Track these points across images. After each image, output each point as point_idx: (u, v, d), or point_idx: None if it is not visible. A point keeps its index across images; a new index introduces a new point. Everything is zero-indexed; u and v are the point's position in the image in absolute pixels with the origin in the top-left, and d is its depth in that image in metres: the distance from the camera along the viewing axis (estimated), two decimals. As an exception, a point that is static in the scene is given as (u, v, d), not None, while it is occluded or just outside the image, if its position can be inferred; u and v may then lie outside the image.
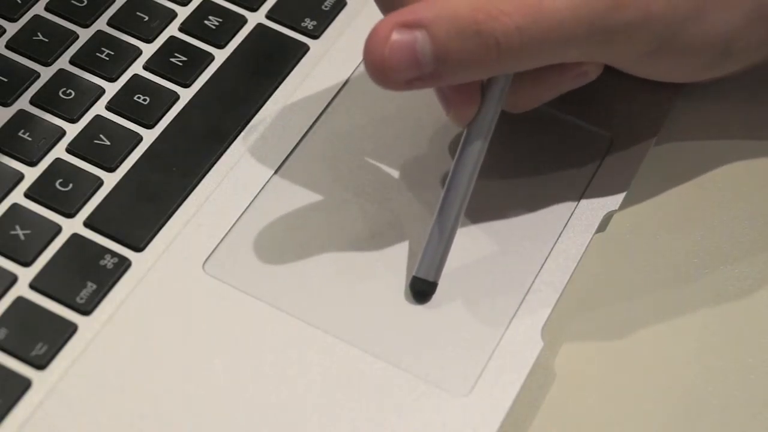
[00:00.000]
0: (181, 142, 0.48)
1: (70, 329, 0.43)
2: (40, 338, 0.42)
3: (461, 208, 0.44)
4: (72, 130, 0.48)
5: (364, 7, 0.53)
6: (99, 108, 0.48)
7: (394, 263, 0.45)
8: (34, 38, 0.50)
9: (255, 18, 0.52)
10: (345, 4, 0.53)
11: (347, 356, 0.43)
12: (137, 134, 0.48)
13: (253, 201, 0.47)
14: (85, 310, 0.43)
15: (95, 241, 0.45)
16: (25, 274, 0.44)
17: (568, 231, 0.47)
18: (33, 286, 0.43)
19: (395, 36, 0.42)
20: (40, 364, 0.42)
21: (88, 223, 0.45)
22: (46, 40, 0.50)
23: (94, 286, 0.44)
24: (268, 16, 0.52)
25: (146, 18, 0.51)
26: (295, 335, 0.43)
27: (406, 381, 0.42)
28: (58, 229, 0.45)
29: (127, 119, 0.48)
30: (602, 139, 0.49)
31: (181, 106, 0.49)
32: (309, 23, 0.52)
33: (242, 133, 0.48)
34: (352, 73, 0.50)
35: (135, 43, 0.51)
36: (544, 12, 0.41)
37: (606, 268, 0.46)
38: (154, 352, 0.42)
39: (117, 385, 0.42)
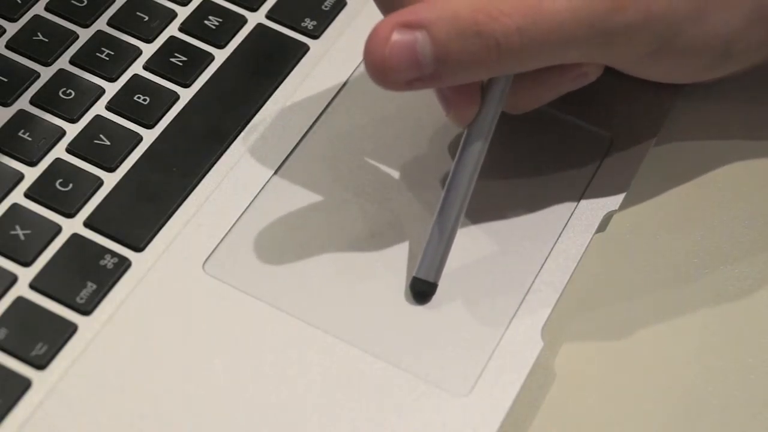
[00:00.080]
0: (181, 142, 0.48)
1: (70, 329, 0.43)
2: (40, 338, 0.42)
3: (461, 208, 0.44)
4: (72, 130, 0.48)
5: (364, 7, 0.53)
6: (99, 108, 0.48)
7: (394, 263, 0.45)
8: (34, 38, 0.50)
9: (255, 18, 0.52)
10: (345, 4, 0.53)
11: (347, 356, 0.43)
12: (137, 134, 0.48)
13: (253, 201, 0.47)
14: (85, 310, 0.43)
15: (95, 241, 0.45)
16: (25, 274, 0.44)
17: (568, 231, 0.47)
18: (33, 286, 0.43)
19: (396, 36, 0.42)
20: (40, 364, 0.42)
21: (88, 223, 0.45)
22: (46, 40, 0.50)
23: (94, 286, 0.44)
24: (268, 16, 0.52)
25: (146, 18, 0.51)
26: (295, 335, 0.43)
27: (406, 381, 0.42)
28: (58, 229, 0.45)
29: (127, 119, 0.48)
30: (602, 139, 0.49)
31: (181, 106, 0.49)
32: (309, 23, 0.52)
33: (242, 133, 0.48)
34: (352, 73, 0.50)
35: (135, 43, 0.51)
36: (544, 13, 0.41)
37: (606, 268, 0.46)
38: (154, 352, 0.42)
39: (117, 385, 0.42)
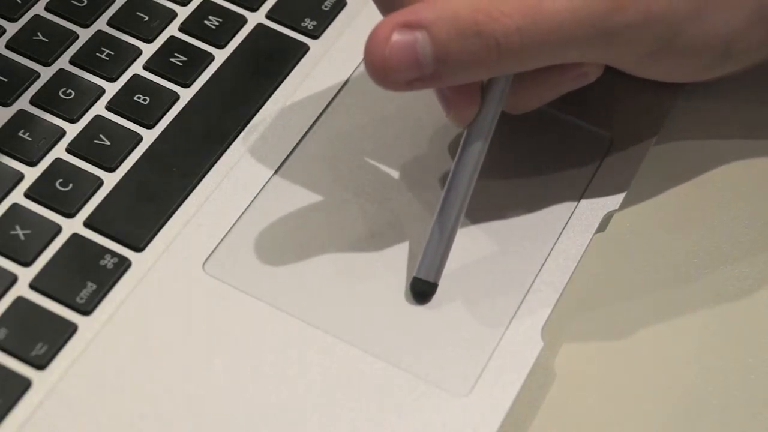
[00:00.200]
0: (181, 142, 0.48)
1: (70, 329, 0.43)
2: (40, 338, 0.42)
3: (462, 208, 0.44)
4: (72, 130, 0.48)
5: (364, 7, 0.53)
6: (99, 108, 0.48)
7: (394, 263, 0.45)
8: (34, 38, 0.50)
9: (255, 18, 0.52)
10: (345, 4, 0.53)
11: (347, 356, 0.43)
12: (137, 134, 0.48)
13: (253, 201, 0.47)
14: (85, 310, 0.43)
15: (95, 241, 0.45)
16: (25, 274, 0.44)
17: (568, 231, 0.47)
18: (33, 286, 0.43)
19: (396, 36, 0.42)
20: (40, 364, 0.42)
21: (88, 223, 0.45)
22: (46, 40, 0.50)
23: (94, 286, 0.44)
24: (268, 16, 0.52)
25: (146, 18, 0.51)
26: (295, 335, 0.43)
27: (406, 381, 0.42)
28: (58, 229, 0.45)
29: (127, 119, 0.48)
30: (602, 139, 0.49)
31: (181, 106, 0.49)
32: (309, 23, 0.52)
33: (242, 133, 0.48)
34: (352, 73, 0.50)
35: (135, 43, 0.51)
36: (544, 13, 0.41)
37: (606, 268, 0.46)
38: (154, 352, 0.42)
39: (117, 385, 0.42)
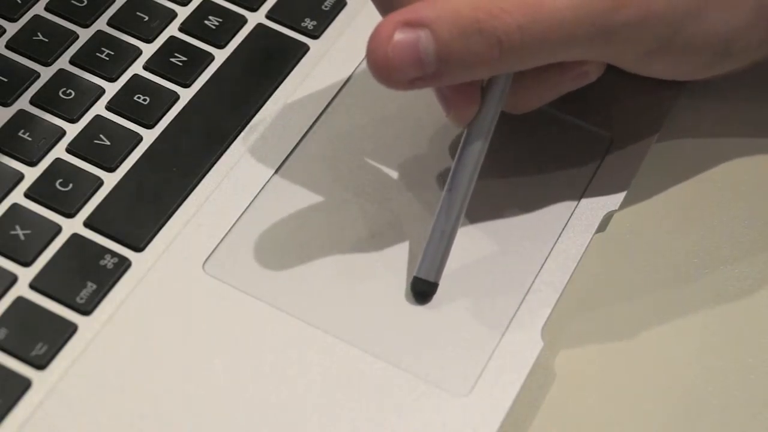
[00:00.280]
0: (181, 142, 0.48)
1: (70, 329, 0.43)
2: (40, 338, 0.42)
3: (462, 208, 0.44)
4: (72, 130, 0.48)
5: (364, 7, 0.53)
6: (99, 108, 0.48)
7: (394, 263, 0.45)
8: (34, 38, 0.50)
9: (255, 18, 0.52)
10: (345, 4, 0.53)
11: (347, 356, 0.43)
12: (137, 134, 0.48)
13: (253, 201, 0.47)
14: (85, 310, 0.43)
15: (95, 241, 0.45)
16: (25, 274, 0.44)
17: (568, 231, 0.47)
18: (33, 286, 0.43)
19: (398, 35, 0.42)
20: (40, 364, 0.42)
21: (88, 223, 0.45)
22: (46, 40, 0.50)
23: (94, 286, 0.44)
24: (268, 16, 0.52)
25: (146, 18, 0.51)
26: (295, 335, 0.43)
27: (406, 381, 0.42)
28: (58, 229, 0.45)
29: (127, 119, 0.48)
30: (602, 139, 0.49)
31: (181, 106, 0.49)
32: (309, 23, 0.52)
33: (242, 133, 0.48)
34: (352, 73, 0.50)
35: (135, 43, 0.51)
36: (545, 11, 0.41)
37: (606, 268, 0.46)
38: (154, 352, 0.42)
39: (117, 385, 0.42)
